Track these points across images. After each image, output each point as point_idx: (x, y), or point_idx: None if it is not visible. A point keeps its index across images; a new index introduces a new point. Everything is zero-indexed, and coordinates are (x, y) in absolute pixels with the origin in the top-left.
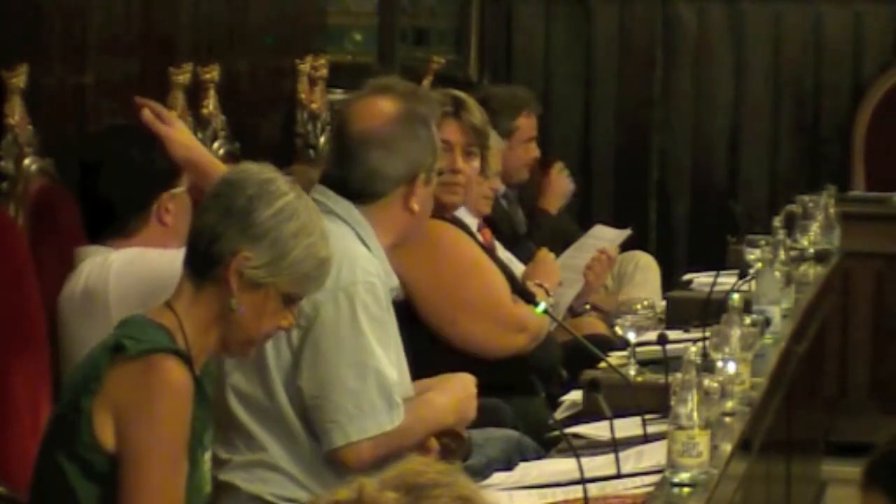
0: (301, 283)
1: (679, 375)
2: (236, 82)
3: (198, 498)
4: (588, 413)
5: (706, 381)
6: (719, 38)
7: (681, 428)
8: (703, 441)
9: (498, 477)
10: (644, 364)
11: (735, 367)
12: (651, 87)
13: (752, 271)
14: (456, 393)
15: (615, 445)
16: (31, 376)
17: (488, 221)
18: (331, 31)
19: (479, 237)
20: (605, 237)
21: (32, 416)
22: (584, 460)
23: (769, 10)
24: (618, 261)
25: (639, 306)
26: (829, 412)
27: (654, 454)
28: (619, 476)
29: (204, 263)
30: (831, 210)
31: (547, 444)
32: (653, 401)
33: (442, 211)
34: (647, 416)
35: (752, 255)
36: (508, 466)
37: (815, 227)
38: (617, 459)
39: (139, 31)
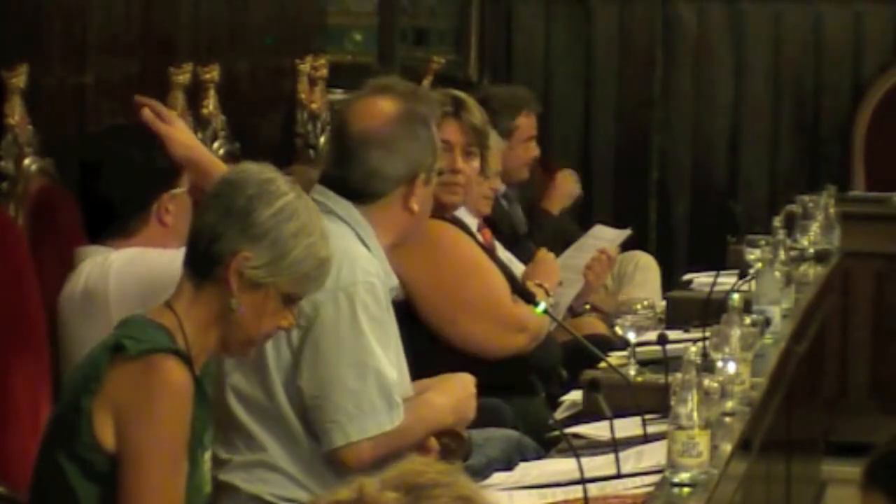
0: (301, 283)
1: (679, 375)
2: (236, 82)
3: (198, 498)
4: (588, 413)
5: (706, 381)
6: (719, 38)
7: (681, 428)
8: (703, 441)
9: (498, 477)
10: (644, 364)
11: (735, 367)
12: (651, 87)
13: (752, 271)
14: (455, 393)
15: (615, 445)
16: (31, 376)
17: (488, 221)
18: (331, 31)
19: (479, 237)
20: (605, 237)
21: (32, 416)
22: (584, 460)
23: (769, 10)
24: (618, 261)
25: (639, 306)
26: (829, 412)
27: (654, 454)
28: (619, 476)
29: (204, 263)
30: (831, 210)
31: (547, 444)
32: (653, 401)
33: (442, 211)
34: (647, 416)
35: (752, 255)
36: (508, 466)
37: (815, 227)
38: (617, 459)
39: (139, 31)
